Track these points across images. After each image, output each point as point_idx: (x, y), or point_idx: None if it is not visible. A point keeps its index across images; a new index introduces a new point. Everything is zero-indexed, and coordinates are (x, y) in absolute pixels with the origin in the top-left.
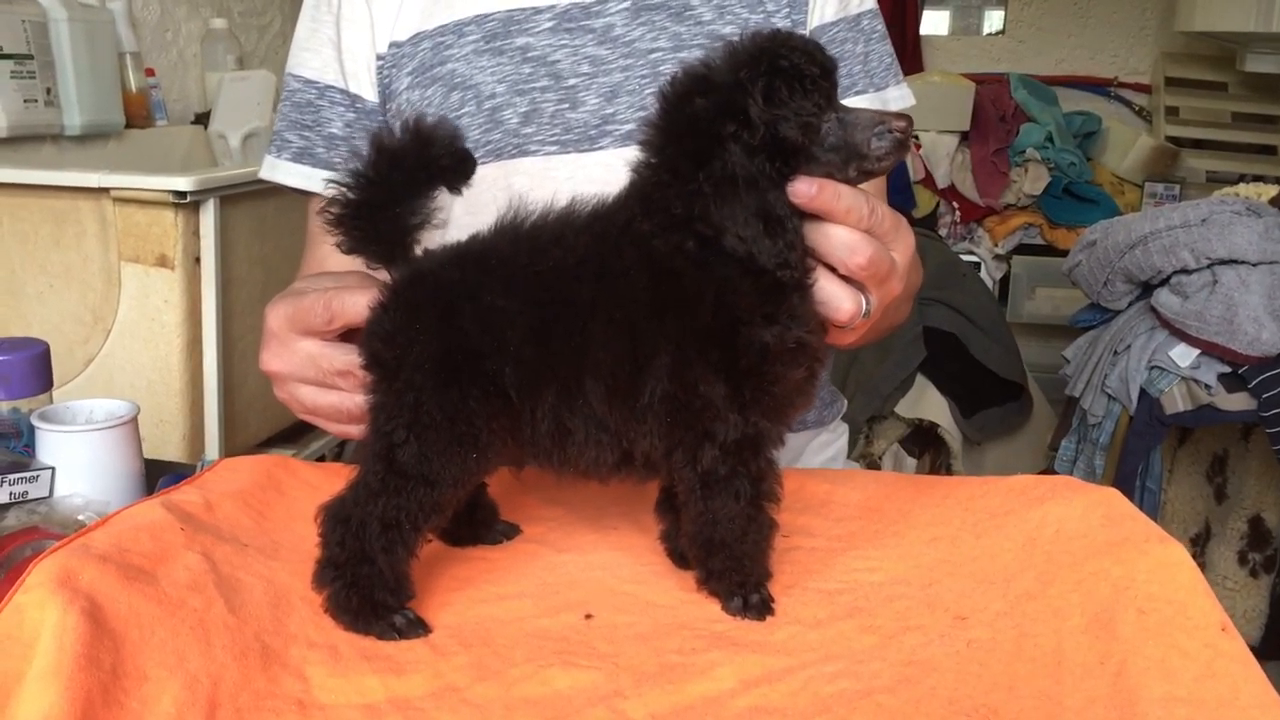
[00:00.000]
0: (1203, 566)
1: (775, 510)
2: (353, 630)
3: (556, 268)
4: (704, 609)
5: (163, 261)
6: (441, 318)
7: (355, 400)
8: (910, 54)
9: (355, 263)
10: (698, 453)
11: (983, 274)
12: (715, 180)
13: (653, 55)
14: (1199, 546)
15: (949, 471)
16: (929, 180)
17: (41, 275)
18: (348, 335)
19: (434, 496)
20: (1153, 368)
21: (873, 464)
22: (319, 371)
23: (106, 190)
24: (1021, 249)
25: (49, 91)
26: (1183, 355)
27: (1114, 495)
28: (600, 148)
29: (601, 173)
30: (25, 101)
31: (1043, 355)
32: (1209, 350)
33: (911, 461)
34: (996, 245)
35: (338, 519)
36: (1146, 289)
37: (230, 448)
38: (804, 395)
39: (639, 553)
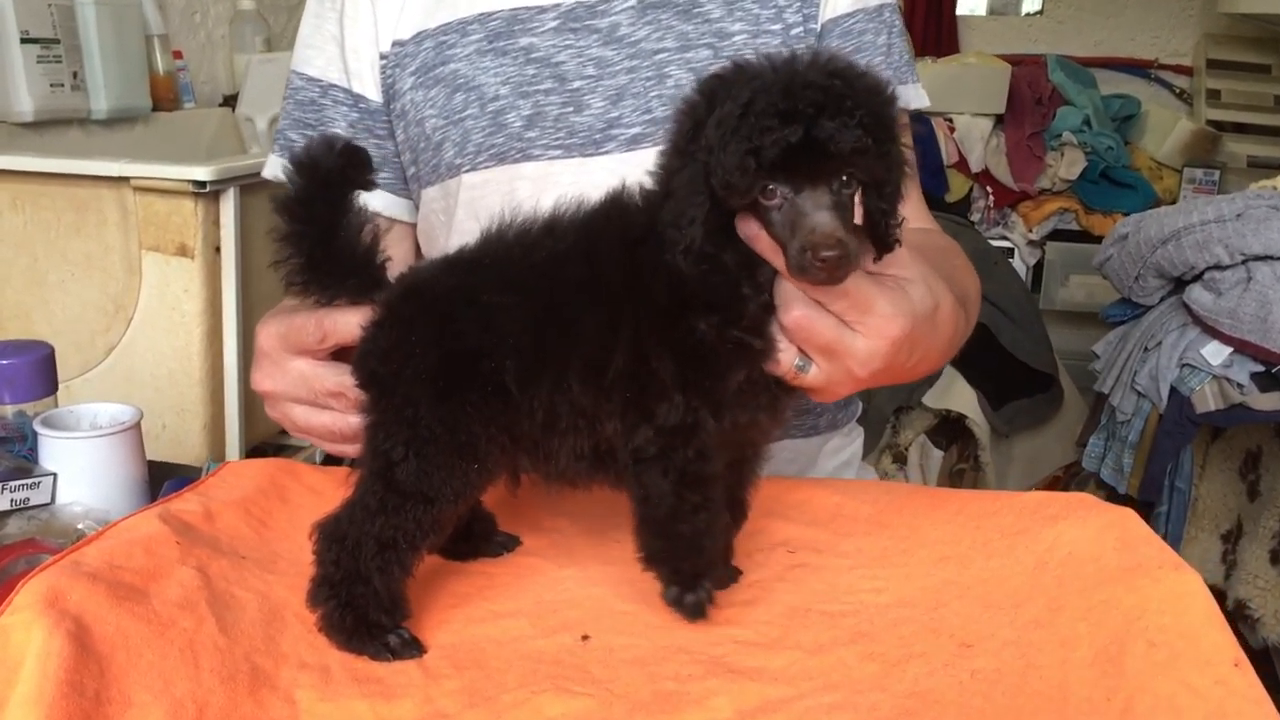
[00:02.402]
0: (1233, 564)
1: (718, 500)
2: (346, 650)
3: (550, 256)
4: (704, 632)
5: (183, 250)
6: (439, 326)
7: (348, 420)
8: (946, 34)
9: None
10: (637, 433)
11: (1016, 260)
12: (677, 183)
13: (658, 56)
14: (1230, 544)
15: (976, 463)
16: (963, 164)
17: (63, 264)
18: (340, 354)
19: (432, 514)
20: (1184, 365)
21: (899, 455)
22: (311, 391)
23: (127, 179)
24: (1056, 235)
25: (75, 75)
26: (1215, 353)
27: (1129, 517)
28: (605, 152)
29: (605, 178)
30: (52, 86)
31: (1076, 343)
32: (1242, 348)
33: (938, 453)
34: (1031, 231)
35: (333, 538)
36: (1179, 284)
37: (250, 437)
38: (755, 409)
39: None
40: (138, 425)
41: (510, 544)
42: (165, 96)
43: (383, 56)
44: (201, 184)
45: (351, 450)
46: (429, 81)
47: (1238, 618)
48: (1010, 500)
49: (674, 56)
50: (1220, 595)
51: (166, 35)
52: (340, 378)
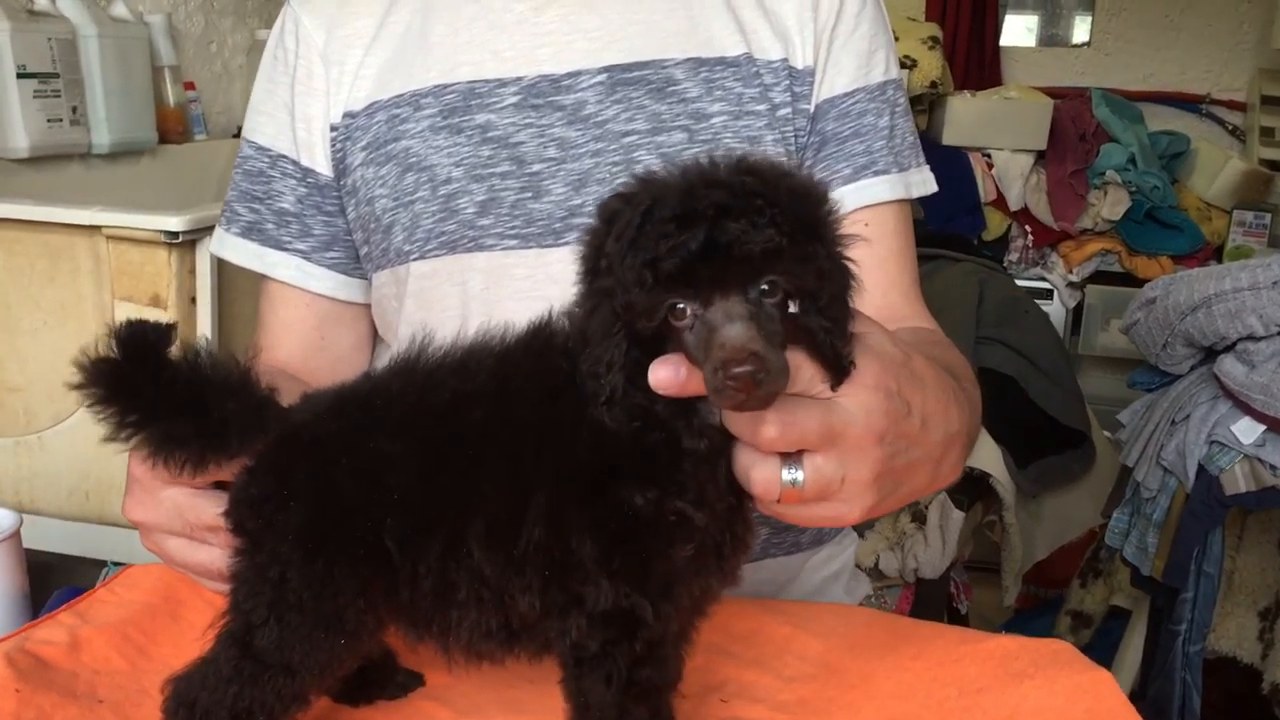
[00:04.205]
0: (1270, 643)
1: (674, 703)
2: None
3: (453, 398)
4: None
5: (156, 301)
6: (312, 477)
7: (227, 559)
8: (989, 66)
9: (308, 356)
10: (566, 620)
11: (1055, 302)
12: (592, 325)
13: (627, 139)
14: (1268, 621)
15: (1001, 524)
16: (1001, 201)
17: (36, 312)
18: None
19: (294, 687)
20: (1213, 442)
21: (918, 515)
22: (186, 525)
23: (99, 228)
24: (1097, 276)
25: (75, 110)
26: (1246, 431)
27: (1105, 682)
28: (565, 243)
29: (563, 271)
30: (49, 121)
31: (1115, 389)
32: (1276, 427)
33: (959, 514)
34: (1071, 272)
35: (182, 702)
36: (1209, 354)
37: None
38: (703, 578)
39: (553, 717)
40: (17, 534)
41: (412, 683)
42: (174, 129)
43: (333, 128)
44: (174, 234)
45: None
46: (380, 158)
47: (1273, 701)
48: (977, 646)
49: (644, 139)
50: (1256, 676)
51: (178, 66)
52: (219, 510)
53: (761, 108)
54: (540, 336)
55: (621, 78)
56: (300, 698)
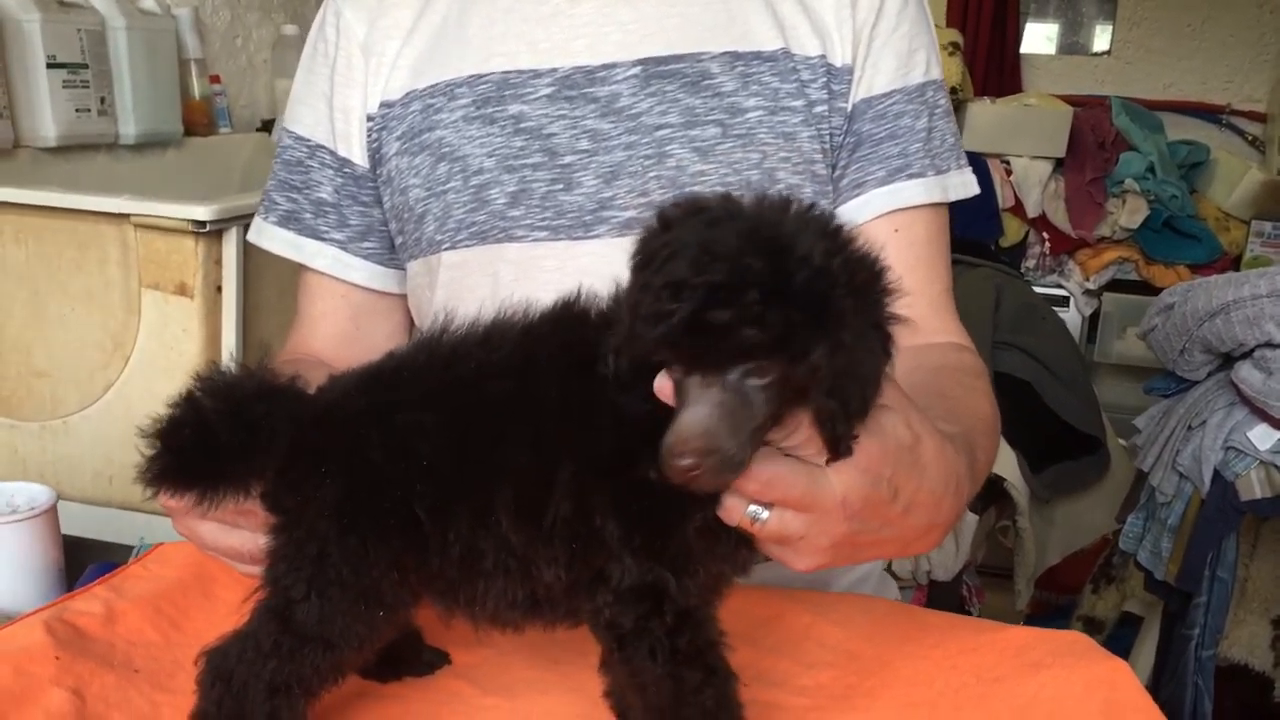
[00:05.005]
0: None
1: (725, 658)
2: None
3: (479, 368)
4: None
5: (182, 290)
6: (345, 453)
7: (259, 542)
8: (1009, 73)
9: (341, 345)
10: (596, 596)
11: (1071, 310)
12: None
13: (660, 132)
14: None
15: (1014, 528)
16: (1019, 208)
17: (64, 299)
18: None
19: (333, 660)
20: (1229, 448)
21: None
22: (221, 509)
23: (128, 216)
24: (1114, 285)
25: (103, 100)
26: (1263, 437)
27: (1122, 672)
28: (594, 236)
29: (593, 264)
30: (78, 111)
31: (1131, 398)
32: None
33: (973, 517)
34: (1088, 280)
35: (219, 675)
36: (1227, 360)
37: None
38: (716, 560)
39: (577, 696)
40: (53, 509)
41: (438, 661)
42: (200, 121)
43: (369, 119)
44: (201, 223)
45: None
46: (415, 148)
47: None
48: (995, 636)
49: (678, 133)
50: (1268, 684)
51: (204, 60)
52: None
53: (798, 103)
54: (570, 310)
55: (656, 70)
56: (337, 670)
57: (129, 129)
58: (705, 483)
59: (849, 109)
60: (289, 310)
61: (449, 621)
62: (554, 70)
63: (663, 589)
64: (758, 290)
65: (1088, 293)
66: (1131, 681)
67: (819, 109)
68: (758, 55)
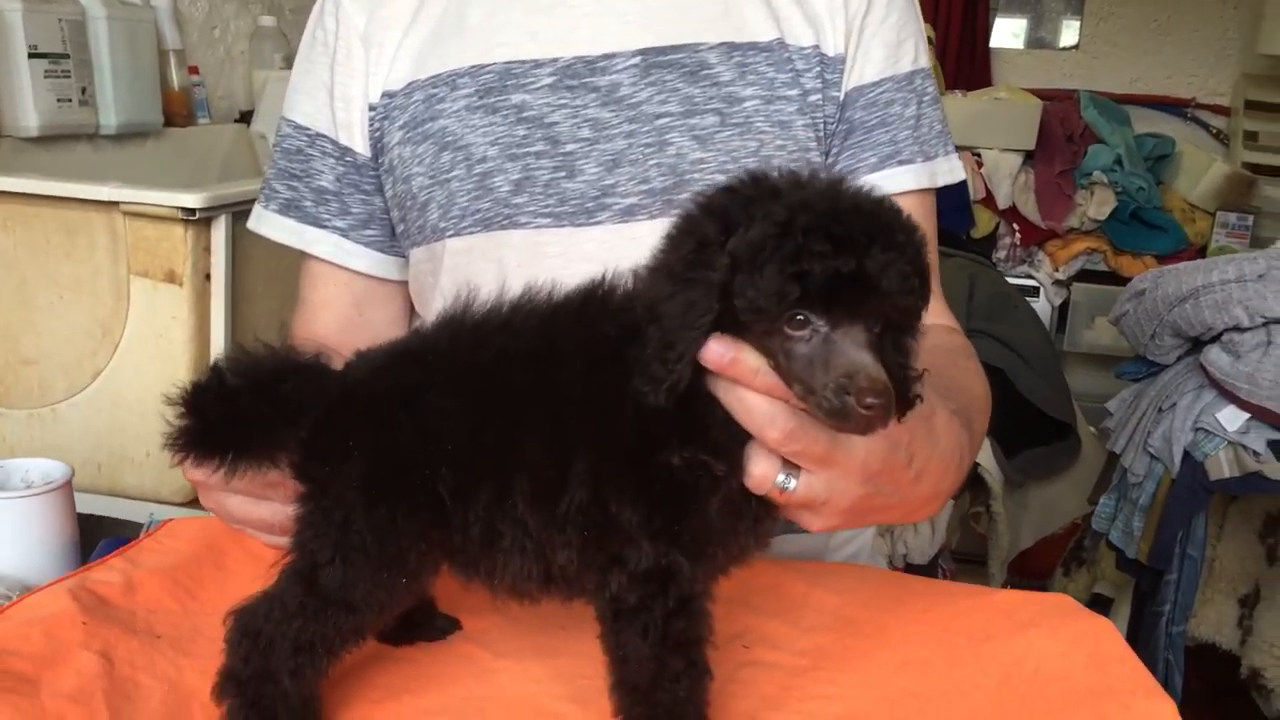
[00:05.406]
0: (1249, 630)
1: (708, 656)
2: None
3: (500, 355)
4: None
5: (171, 277)
6: (373, 431)
7: (288, 513)
8: (979, 67)
9: (344, 331)
10: (608, 576)
11: (1041, 300)
12: (668, 310)
13: (660, 120)
14: (1247, 608)
15: (989, 513)
16: (990, 200)
17: (52, 286)
18: None
19: (355, 623)
20: (1198, 429)
21: None
22: (249, 481)
23: (117, 204)
24: (1083, 275)
25: (84, 90)
26: (1231, 418)
27: (1106, 629)
28: (597, 222)
29: (596, 250)
30: (59, 100)
31: (1099, 386)
32: (1259, 415)
33: (948, 502)
34: (1057, 270)
35: (246, 631)
36: (1196, 345)
37: None
38: (737, 537)
39: (586, 662)
40: (68, 484)
41: (449, 628)
42: (179, 112)
43: (372, 108)
44: (191, 211)
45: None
46: (417, 137)
47: (1251, 686)
48: (983, 599)
49: (677, 121)
50: (1234, 662)
51: (183, 50)
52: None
53: (793, 93)
54: (591, 298)
55: (655, 60)
56: (359, 633)
57: (110, 119)
58: (881, 424)
59: (841, 97)
60: (277, 297)
61: (468, 588)
62: (555, 60)
63: (675, 573)
64: (904, 239)
65: (1057, 283)
66: (1115, 637)
67: (813, 98)
68: (754, 46)
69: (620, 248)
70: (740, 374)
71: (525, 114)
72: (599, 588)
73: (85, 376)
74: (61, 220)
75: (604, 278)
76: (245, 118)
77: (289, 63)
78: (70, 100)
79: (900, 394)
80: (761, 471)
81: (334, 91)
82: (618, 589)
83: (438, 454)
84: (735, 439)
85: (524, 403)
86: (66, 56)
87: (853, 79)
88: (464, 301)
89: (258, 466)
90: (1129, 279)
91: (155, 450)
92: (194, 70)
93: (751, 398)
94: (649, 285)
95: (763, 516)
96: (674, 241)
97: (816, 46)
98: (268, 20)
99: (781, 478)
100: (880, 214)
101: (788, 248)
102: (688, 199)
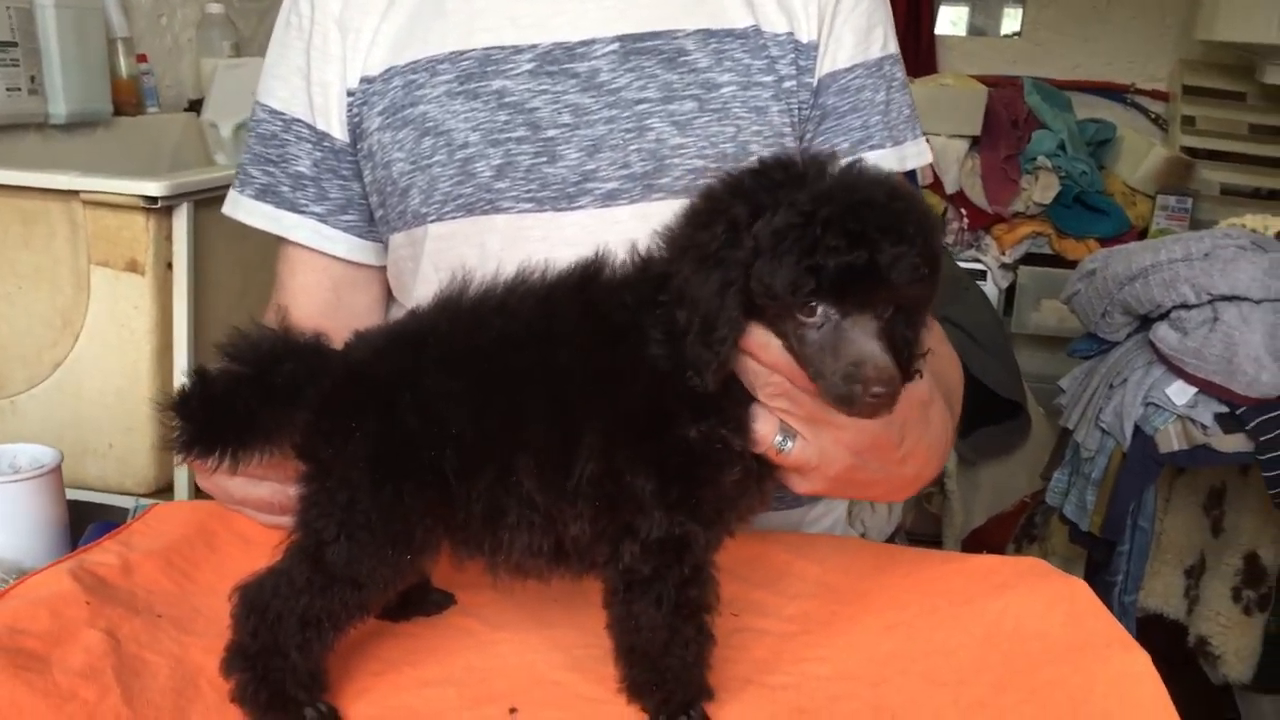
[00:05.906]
0: (1196, 600)
1: (712, 622)
2: None
3: (499, 337)
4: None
5: (133, 266)
6: (378, 414)
7: (288, 492)
8: (924, 54)
9: (323, 316)
10: (620, 546)
11: (989, 283)
12: (700, 293)
13: (639, 106)
14: (1193, 579)
15: (943, 491)
16: (937, 185)
17: (11, 276)
18: None
19: (360, 598)
20: (1148, 404)
21: None
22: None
23: (76, 192)
24: (1029, 258)
25: (33, 79)
26: (1179, 393)
27: (1079, 589)
28: (579, 207)
29: (578, 234)
30: (8, 90)
31: (1047, 367)
32: (1206, 389)
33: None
34: (1004, 254)
35: (253, 607)
36: (1145, 322)
37: None
38: (746, 499)
39: (581, 632)
40: (58, 469)
41: (445, 602)
42: (128, 101)
43: (350, 94)
44: (153, 199)
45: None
46: (397, 123)
47: (1199, 654)
48: (961, 564)
49: (656, 107)
50: (1182, 631)
51: (131, 39)
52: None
53: (768, 79)
54: (588, 275)
55: (634, 47)
56: (363, 608)
57: (59, 108)
58: (886, 411)
59: (814, 84)
60: (241, 286)
61: (463, 569)
62: (535, 46)
63: (690, 542)
64: (913, 231)
65: (1004, 266)
66: (1089, 595)
67: (788, 84)
68: (730, 32)
69: (601, 232)
70: (769, 361)
71: (506, 100)
72: (610, 559)
73: (45, 368)
74: (18, 209)
75: (597, 255)
76: (194, 106)
77: (238, 50)
78: (19, 89)
79: (903, 368)
80: (765, 429)
81: (310, 76)
82: (631, 560)
83: (440, 436)
84: (746, 408)
85: (526, 383)
86: (15, 45)
87: (825, 65)
88: (459, 283)
89: (259, 453)
90: (1074, 262)
91: (118, 441)
92: (142, 58)
93: (752, 363)
94: (676, 263)
95: (764, 476)
96: (702, 220)
97: (790, 33)
98: (215, 7)
99: (779, 438)
100: (893, 206)
101: (807, 239)
102: (711, 178)
